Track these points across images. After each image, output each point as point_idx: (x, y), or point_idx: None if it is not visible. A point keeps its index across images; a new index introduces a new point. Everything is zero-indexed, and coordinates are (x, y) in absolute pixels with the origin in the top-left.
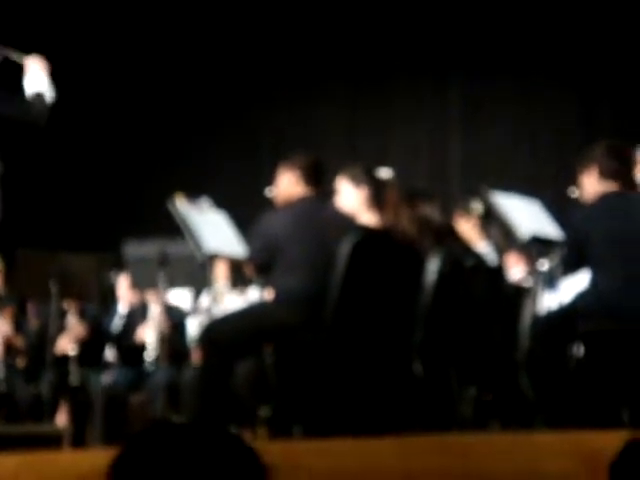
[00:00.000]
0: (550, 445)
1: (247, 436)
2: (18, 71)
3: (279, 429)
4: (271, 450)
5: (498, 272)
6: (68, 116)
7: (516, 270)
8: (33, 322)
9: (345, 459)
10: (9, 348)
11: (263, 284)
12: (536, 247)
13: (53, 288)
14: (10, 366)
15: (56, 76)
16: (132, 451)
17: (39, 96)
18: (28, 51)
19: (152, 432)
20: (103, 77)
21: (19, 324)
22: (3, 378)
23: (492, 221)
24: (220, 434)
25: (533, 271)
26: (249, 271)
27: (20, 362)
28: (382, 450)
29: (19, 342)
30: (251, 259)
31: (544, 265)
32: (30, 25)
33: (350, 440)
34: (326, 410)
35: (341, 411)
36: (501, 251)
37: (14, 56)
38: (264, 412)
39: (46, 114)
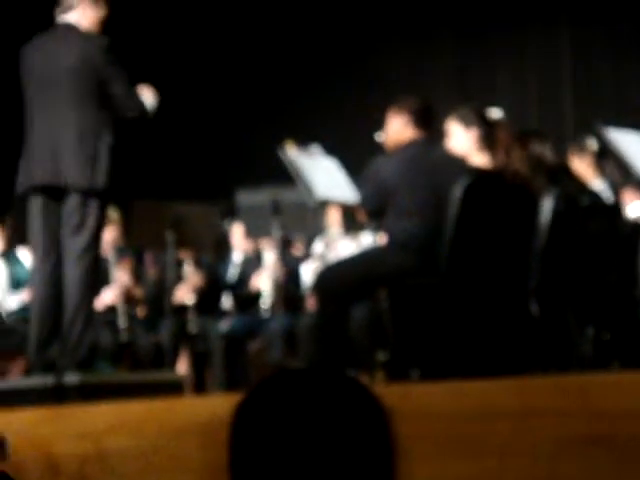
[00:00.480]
0: None
1: (365, 380)
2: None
3: (396, 373)
4: (389, 393)
5: (615, 210)
6: (180, 65)
7: (633, 207)
8: (151, 272)
9: (463, 401)
10: (129, 298)
11: (376, 229)
12: None
13: (169, 238)
14: (131, 316)
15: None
16: (256, 398)
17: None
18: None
19: (275, 379)
20: (216, 25)
21: (138, 275)
22: (125, 328)
23: (607, 158)
24: (340, 379)
25: None
26: (361, 216)
27: (140, 312)
28: (500, 391)
29: (138, 292)
30: (363, 204)
31: None
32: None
33: (467, 382)
34: (443, 353)
35: (458, 353)
36: (617, 188)
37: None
38: (381, 356)
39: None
